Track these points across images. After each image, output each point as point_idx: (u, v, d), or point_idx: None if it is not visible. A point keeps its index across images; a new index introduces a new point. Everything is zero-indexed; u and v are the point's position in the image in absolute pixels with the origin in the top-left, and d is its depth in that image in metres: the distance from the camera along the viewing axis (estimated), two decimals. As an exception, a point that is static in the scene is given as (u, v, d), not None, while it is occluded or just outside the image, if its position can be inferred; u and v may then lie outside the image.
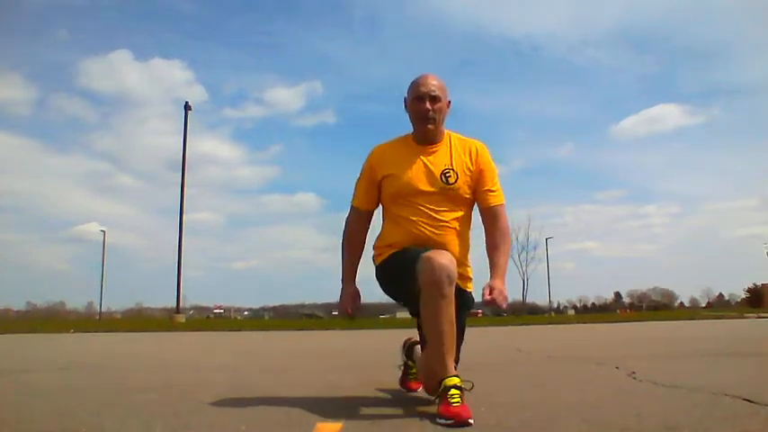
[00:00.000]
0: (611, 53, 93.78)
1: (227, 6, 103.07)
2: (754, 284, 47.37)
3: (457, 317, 1.98)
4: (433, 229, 2.15)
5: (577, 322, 15.99)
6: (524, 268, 43.40)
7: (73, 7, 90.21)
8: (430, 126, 2.19)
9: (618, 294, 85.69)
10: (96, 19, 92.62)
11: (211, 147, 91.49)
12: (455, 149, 2.24)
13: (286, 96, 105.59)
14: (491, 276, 2.16)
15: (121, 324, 19.95)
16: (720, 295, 79.88)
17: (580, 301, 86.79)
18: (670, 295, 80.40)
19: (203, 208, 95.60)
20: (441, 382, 1.88)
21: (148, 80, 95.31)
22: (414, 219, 2.16)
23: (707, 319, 16.29)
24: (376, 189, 2.28)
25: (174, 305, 22.31)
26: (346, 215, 2.36)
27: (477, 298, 2.23)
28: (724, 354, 4.40)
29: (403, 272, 2.04)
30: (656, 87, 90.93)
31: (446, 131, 2.28)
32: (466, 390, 1.88)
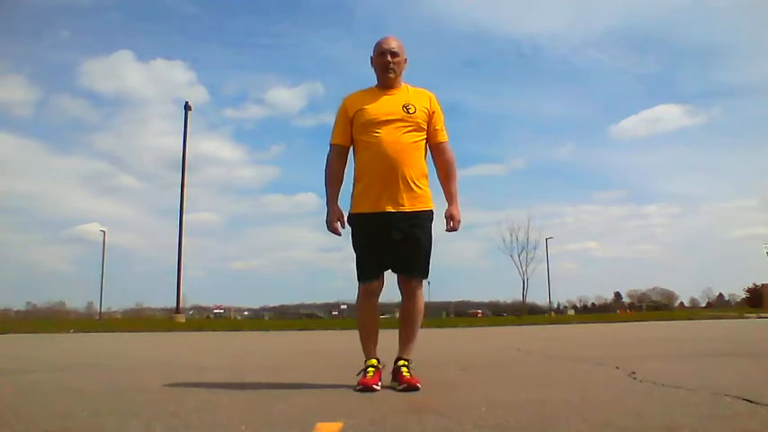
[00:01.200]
0: (611, 54, 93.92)
1: (229, 7, 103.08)
2: (754, 284, 47.26)
3: (424, 233, 2.67)
4: (397, 150, 2.60)
5: (577, 322, 15.98)
6: (524, 268, 43.19)
7: (75, 8, 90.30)
8: (390, 75, 2.71)
9: (618, 294, 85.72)
10: (99, 20, 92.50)
11: (212, 147, 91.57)
12: (412, 93, 2.77)
13: (287, 97, 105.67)
14: (448, 203, 2.79)
15: (121, 324, 19.95)
16: (720, 295, 79.88)
17: (580, 301, 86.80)
18: (670, 295, 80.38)
19: (204, 208, 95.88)
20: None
21: (150, 81, 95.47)
22: (381, 142, 2.61)
23: (707, 319, 16.27)
24: (349, 126, 2.73)
25: (174, 305, 22.33)
26: (326, 154, 2.78)
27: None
28: (724, 354, 4.40)
29: (356, 261, 2.72)
30: (657, 88, 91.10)
31: (403, 83, 2.80)
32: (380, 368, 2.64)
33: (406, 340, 2.77)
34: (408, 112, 2.66)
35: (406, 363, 2.66)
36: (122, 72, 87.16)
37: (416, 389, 2.48)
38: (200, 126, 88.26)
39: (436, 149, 2.79)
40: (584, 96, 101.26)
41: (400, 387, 2.52)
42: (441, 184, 2.80)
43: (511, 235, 43.76)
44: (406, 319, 2.77)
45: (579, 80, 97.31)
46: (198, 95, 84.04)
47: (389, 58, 2.70)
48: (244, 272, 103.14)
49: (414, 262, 2.68)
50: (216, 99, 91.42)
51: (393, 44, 2.73)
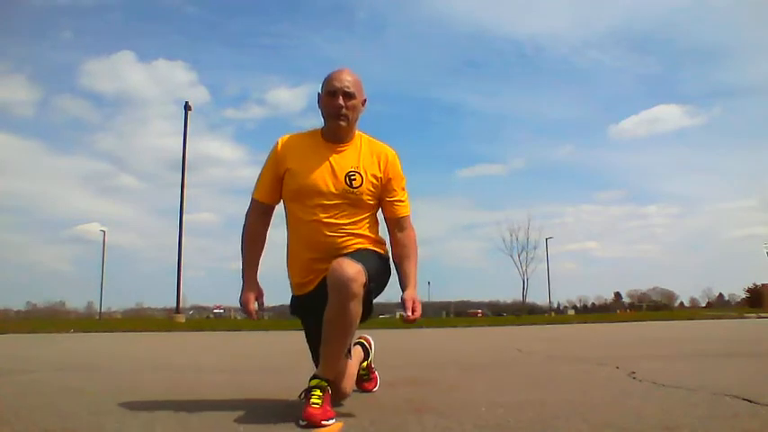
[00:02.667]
0: (612, 54, 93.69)
1: (231, 8, 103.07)
2: (754, 284, 47.32)
3: (367, 251, 2.06)
4: (331, 233, 2.05)
5: (577, 322, 15.98)
6: (524, 268, 43.35)
7: (77, 8, 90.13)
8: (342, 123, 2.10)
9: (618, 294, 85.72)
10: (100, 20, 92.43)
11: (213, 147, 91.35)
12: (364, 152, 2.15)
13: (288, 97, 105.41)
14: (404, 287, 2.10)
15: (121, 324, 19.94)
16: (720, 295, 79.87)
17: (580, 301, 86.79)
18: (670, 295, 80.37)
19: (204, 208, 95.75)
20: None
21: (151, 81, 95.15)
22: (311, 221, 2.06)
23: (707, 319, 16.27)
24: (279, 182, 2.16)
25: (174, 305, 22.32)
26: (246, 210, 2.24)
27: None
28: (724, 354, 4.40)
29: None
30: (657, 88, 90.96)
31: (357, 132, 2.19)
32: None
33: (324, 355, 1.96)
34: (351, 186, 2.06)
35: (323, 384, 1.91)
36: (124, 72, 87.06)
37: (319, 426, 1.78)
38: (201, 126, 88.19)
39: (393, 224, 2.19)
40: (584, 96, 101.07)
41: (301, 422, 1.81)
42: (396, 263, 2.17)
43: (511, 235, 43.95)
44: (329, 326, 1.92)
45: (579, 80, 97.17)
46: (199, 96, 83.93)
47: (341, 101, 2.07)
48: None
49: (354, 255, 1.98)
50: (217, 99, 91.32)
51: (347, 81, 2.10)
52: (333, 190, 2.06)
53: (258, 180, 2.21)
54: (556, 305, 69.48)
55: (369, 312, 1.96)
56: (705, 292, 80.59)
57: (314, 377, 1.92)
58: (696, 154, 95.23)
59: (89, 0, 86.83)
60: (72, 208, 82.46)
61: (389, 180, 2.16)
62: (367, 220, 2.15)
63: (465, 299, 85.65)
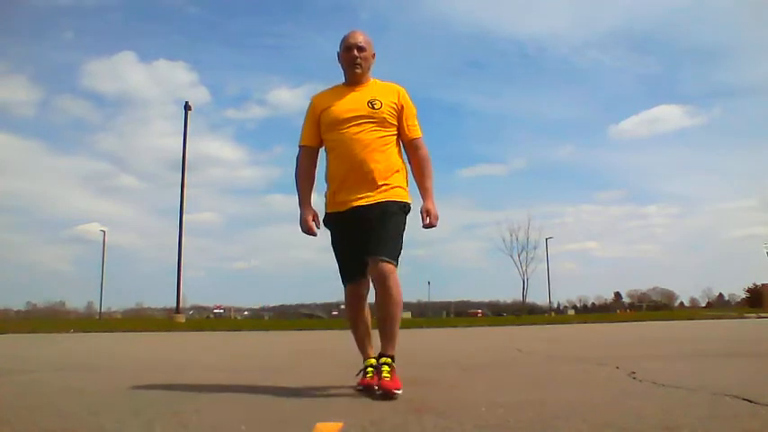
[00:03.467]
0: (612, 54, 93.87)
1: (232, 8, 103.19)
2: (754, 284, 47.31)
3: (394, 217, 2.51)
4: (361, 148, 2.51)
5: (577, 322, 15.98)
6: (524, 268, 43.29)
7: (78, 9, 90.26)
8: (357, 70, 2.61)
9: (618, 294, 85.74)
10: (101, 21, 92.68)
11: (214, 148, 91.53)
12: (379, 87, 2.67)
13: (289, 97, 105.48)
14: (424, 199, 2.65)
15: (121, 324, 19.93)
16: (720, 295, 79.87)
17: (580, 301, 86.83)
18: (670, 295, 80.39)
19: (205, 208, 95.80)
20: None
21: (152, 82, 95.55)
22: (345, 141, 2.53)
23: (707, 319, 16.27)
24: (317, 125, 2.65)
25: (174, 305, 22.31)
26: (296, 156, 2.71)
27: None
28: (724, 354, 4.40)
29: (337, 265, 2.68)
30: (657, 88, 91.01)
31: (371, 78, 2.70)
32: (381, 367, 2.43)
33: (384, 335, 2.51)
34: (374, 108, 2.56)
35: (388, 361, 2.45)
36: (125, 73, 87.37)
37: (393, 397, 2.28)
38: (201, 126, 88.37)
39: (409, 146, 2.68)
40: (584, 97, 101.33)
41: (378, 392, 2.37)
42: (416, 181, 2.69)
43: (511, 235, 43.90)
44: (381, 312, 2.50)
45: (580, 81, 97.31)
46: (200, 96, 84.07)
47: (356, 53, 2.60)
48: (244, 272, 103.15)
49: (380, 242, 2.47)
50: (217, 99, 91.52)
51: (360, 38, 2.63)
52: (360, 113, 2.55)
53: (302, 130, 2.71)
54: (556, 305, 69.51)
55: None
56: (705, 292, 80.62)
57: (380, 356, 2.48)
58: (696, 154, 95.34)
59: (90, 0, 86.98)
60: (72, 208, 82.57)
61: (402, 107, 2.65)
62: (391, 139, 2.61)
63: (465, 299, 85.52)
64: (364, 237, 2.49)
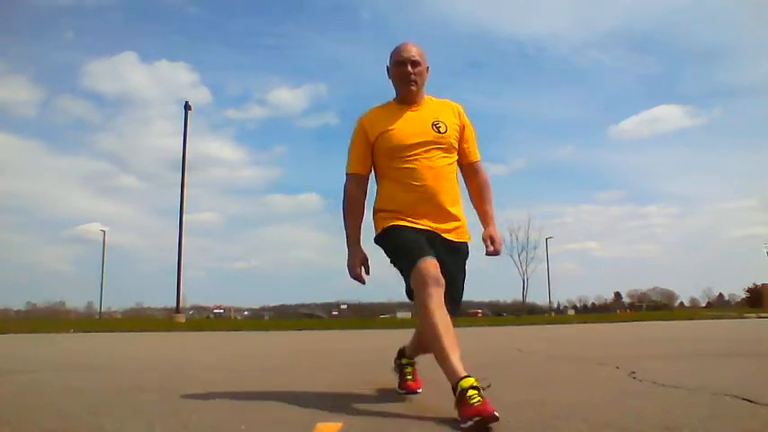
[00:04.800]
0: (612, 54, 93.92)
1: (232, 8, 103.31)
2: (754, 284, 47.30)
3: (462, 271, 2.32)
4: (431, 176, 2.25)
5: (577, 322, 15.98)
6: (524, 268, 43.38)
7: (79, 9, 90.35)
8: (413, 87, 2.33)
9: (618, 294, 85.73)
10: (102, 21, 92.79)
11: (215, 148, 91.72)
12: (438, 107, 2.41)
13: (290, 97, 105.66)
14: (486, 225, 2.42)
15: (121, 324, 19.93)
16: (720, 295, 79.89)
17: (580, 301, 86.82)
18: (670, 295, 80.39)
19: (205, 208, 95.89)
20: (455, 387, 1.81)
21: (153, 82, 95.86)
22: (413, 168, 2.25)
23: (707, 319, 16.27)
24: (370, 152, 2.37)
25: (174, 305, 22.31)
26: (343, 185, 2.40)
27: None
28: (724, 354, 4.40)
29: (399, 257, 2.19)
30: (658, 88, 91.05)
31: (426, 95, 2.42)
32: (483, 389, 1.81)
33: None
34: (440, 132, 2.30)
35: (411, 363, 2.36)
36: (126, 73, 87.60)
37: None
38: (202, 127, 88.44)
39: (469, 170, 2.45)
40: (584, 97, 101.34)
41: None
42: (475, 206, 2.47)
43: (511, 235, 43.96)
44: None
45: (580, 81, 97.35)
46: (201, 96, 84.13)
47: (410, 69, 2.31)
48: (244, 272, 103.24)
49: (457, 288, 2.28)
50: (218, 100, 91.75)
51: (413, 51, 2.35)
52: (425, 139, 2.29)
53: (349, 156, 2.40)
54: (556, 305, 69.51)
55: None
56: (705, 292, 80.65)
57: (402, 356, 2.54)
58: (696, 154, 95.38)
59: (91, 1, 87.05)
60: (72, 208, 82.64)
61: (463, 128, 2.42)
62: (455, 166, 2.41)
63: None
64: (447, 268, 2.16)
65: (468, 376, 1.84)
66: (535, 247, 43.43)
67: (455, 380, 1.83)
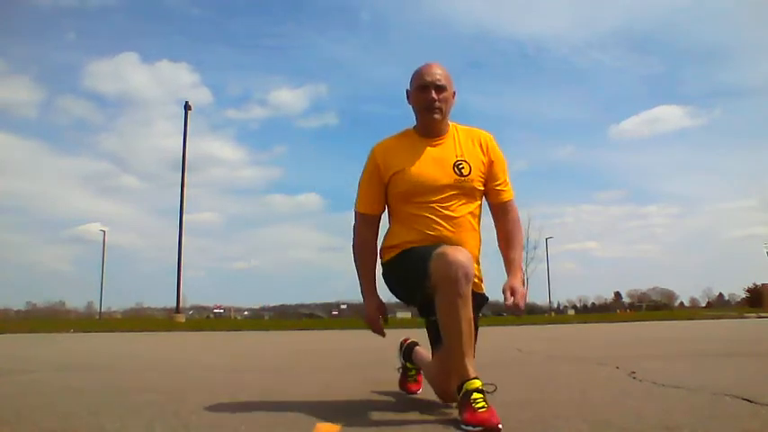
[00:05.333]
0: (613, 54, 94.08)
1: (233, 9, 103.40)
2: (754, 284, 47.32)
3: (475, 320, 1.94)
4: (449, 227, 2.01)
5: (577, 322, 15.97)
6: (524, 268, 43.30)
7: (81, 10, 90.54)
8: (437, 116, 2.06)
9: (618, 294, 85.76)
10: (104, 22, 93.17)
11: (215, 148, 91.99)
12: (463, 140, 2.12)
13: (290, 98, 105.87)
14: (509, 274, 2.08)
15: (121, 324, 19.93)
16: (720, 295, 79.93)
17: (580, 301, 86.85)
18: (670, 295, 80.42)
19: (206, 208, 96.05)
20: (461, 387, 1.76)
21: (155, 82, 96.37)
22: (428, 216, 2.01)
23: (707, 319, 16.27)
24: (383, 190, 2.11)
25: (174, 305, 22.33)
26: (353, 224, 2.19)
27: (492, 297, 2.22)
28: (724, 354, 4.40)
29: (414, 271, 1.90)
30: (658, 88, 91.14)
31: (451, 123, 2.16)
32: (488, 393, 1.77)
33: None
34: (461, 175, 2.03)
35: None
36: (127, 73, 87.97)
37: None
38: (203, 127, 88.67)
39: (497, 210, 2.16)
40: (585, 97, 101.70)
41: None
42: (500, 248, 2.17)
43: (511, 235, 43.84)
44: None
45: (581, 81, 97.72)
46: (202, 97, 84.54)
47: (434, 95, 2.04)
48: (244, 272, 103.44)
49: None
50: (219, 100, 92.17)
51: (438, 74, 2.07)
52: (445, 182, 2.03)
53: (359, 192, 2.16)
54: (556, 305, 69.43)
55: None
56: (705, 292, 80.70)
57: (410, 360, 2.40)
58: (696, 154, 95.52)
59: (93, 1, 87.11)
60: (73, 208, 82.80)
61: (491, 163, 2.12)
62: (478, 211, 2.13)
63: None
64: None
65: (476, 378, 1.77)
66: (535, 247, 43.40)
67: (462, 379, 1.77)
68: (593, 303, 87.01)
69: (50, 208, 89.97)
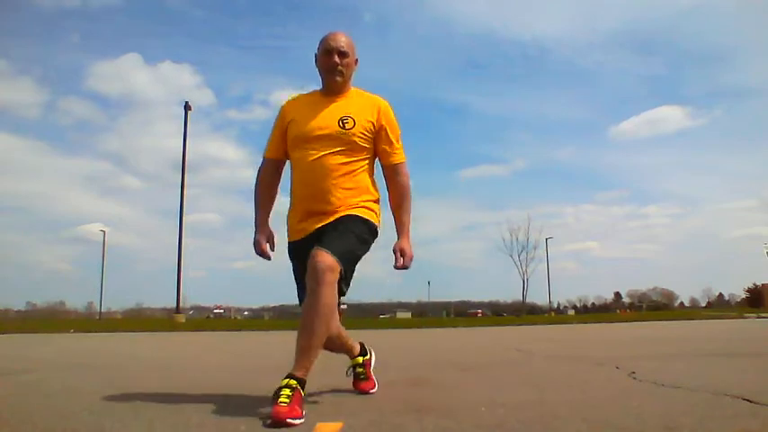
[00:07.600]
0: (615, 55, 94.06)
1: (236, 10, 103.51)
2: (754, 284, 47.37)
3: (357, 225, 2.17)
4: (326, 175, 2.18)
5: (577, 322, 15.98)
6: (524, 268, 43.41)
7: (84, 12, 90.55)
8: (338, 78, 2.27)
9: (618, 294, 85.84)
10: (107, 23, 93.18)
11: (217, 148, 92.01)
12: (357, 101, 2.32)
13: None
14: (399, 236, 2.33)
15: (121, 324, 19.93)
16: (720, 295, 80.00)
17: (580, 301, 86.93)
18: (670, 295, 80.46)
19: (206, 209, 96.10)
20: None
21: (158, 83, 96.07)
22: (308, 161, 2.20)
23: (707, 319, 16.27)
24: (285, 137, 2.34)
25: (174, 305, 22.30)
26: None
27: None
28: (724, 354, 4.40)
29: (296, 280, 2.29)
30: (660, 89, 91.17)
31: (352, 87, 2.37)
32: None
33: (297, 350, 2.10)
34: (344, 128, 2.21)
35: (291, 384, 1.97)
36: (130, 75, 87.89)
37: (283, 425, 1.78)
38: (204, 127, 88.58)
39: (387, 172, 2.35)
40: (586, 98, 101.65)
41: (268, 421, 1.84)
42: (392, 211, 2.35)
43: (511, 235, 44.09)
44: (302, 319, 2.10)
45: (582, 82, 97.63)
46: (204, 98, 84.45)
47: (337, 59, 2.25)
48: (244, 272, 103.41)
49: (331, 239, 2.09)
50: (221, 100, 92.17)
51: (342, 41, 2.27)
52: (327, 132, 2.22)
53: (268, 140, 2.40)
54: (556, 305, 69.55)
55: (341, 294, 2.18)
56: (705, 292, 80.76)
57: (286, 377, 2.02)
58: (697, 155, 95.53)
59: (96, 3, 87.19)
60: (73, 208, 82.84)
61: (383, 127, 2.30)
62: (362, 164, 2.28)
63: (465, 299, 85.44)
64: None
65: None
66: (535, 248, 43.52)
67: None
68: (593, 303, 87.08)
69: (51, 208, 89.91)
